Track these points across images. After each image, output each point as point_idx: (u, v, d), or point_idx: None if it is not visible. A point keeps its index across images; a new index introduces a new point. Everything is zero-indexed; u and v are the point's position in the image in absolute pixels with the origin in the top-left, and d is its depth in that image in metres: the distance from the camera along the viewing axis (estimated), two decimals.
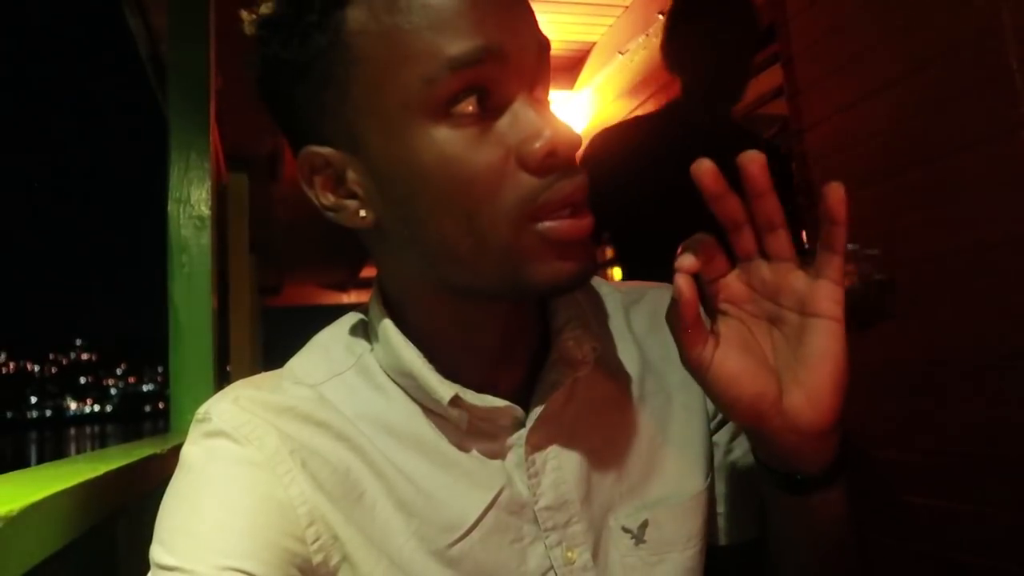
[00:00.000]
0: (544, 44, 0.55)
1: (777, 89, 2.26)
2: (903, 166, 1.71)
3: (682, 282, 0.51)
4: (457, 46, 0.50)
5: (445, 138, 0.51)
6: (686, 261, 0.51)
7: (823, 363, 0.52)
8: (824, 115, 2.05)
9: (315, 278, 8.69)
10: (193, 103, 1.88)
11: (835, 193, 0.51)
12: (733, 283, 0.56)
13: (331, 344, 0.64)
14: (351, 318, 0.67)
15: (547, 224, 0.53)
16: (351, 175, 0.56)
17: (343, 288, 9.05)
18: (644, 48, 2.90)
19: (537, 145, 0.52)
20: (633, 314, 0.71)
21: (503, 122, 0.53)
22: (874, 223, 1.85)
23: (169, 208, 1.81)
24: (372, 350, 0.62)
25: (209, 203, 1.83)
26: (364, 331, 0.64)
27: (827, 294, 0.52)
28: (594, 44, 3.33)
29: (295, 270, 7.96)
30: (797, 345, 0.53)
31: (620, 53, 3.01)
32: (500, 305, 0.60)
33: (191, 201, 1.82)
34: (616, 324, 0.70)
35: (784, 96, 2.20)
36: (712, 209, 0.53)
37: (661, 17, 2.73)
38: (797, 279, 0.53)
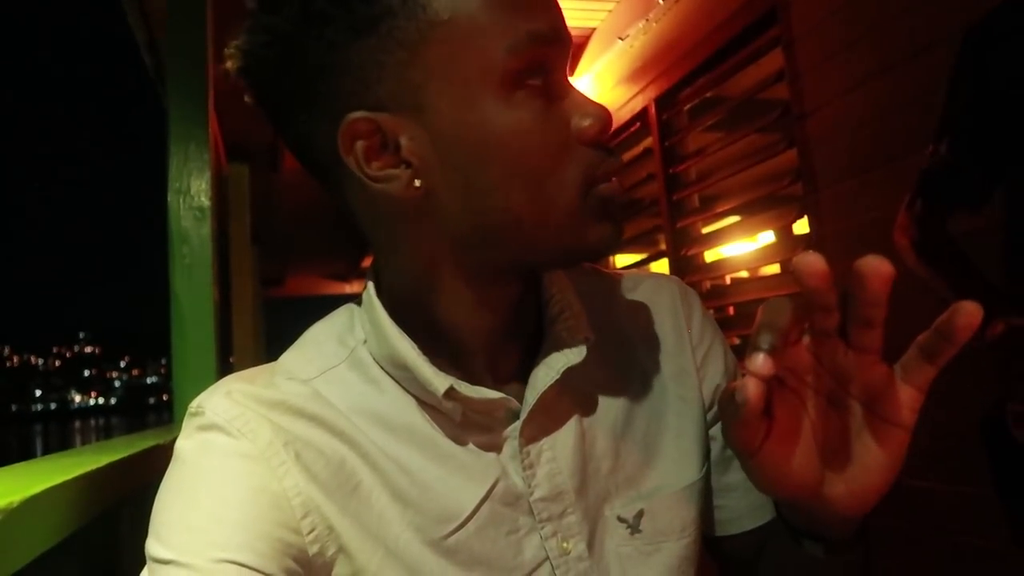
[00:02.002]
0: (571, 40, 0.59)
1: (778, 73, 2.24)
2: (904, 150, 1.71)
3: (751, 388, 0.44)
4: (535, 22, 0.53)
5: (519, 108, 0.53)
6: (760, 365, 0.43)
7: (881, 471, 0.49)
8: (825, 99, 2.05)
9: (317, 268, 8.69)
10: (192, 93, 1.87)
11: (968, 317, 0.43)
12: (800, 350, 0.49)
13: (323, 338, 0.64)
14: (343, 311, 0.66)
15: (603, 186, 0.57)
16: (406, 142, 0.54)
17: (345, 278, 9.06)
18: (644, 33, 2.88)
19: (590, 123, 0.56)
20: (629, 303, 0.71)
21: (562, 101, 0.57)
22: (875, 208, 1.84)
23: (169, 199, 1.81)
24: (365, 342, 0.62)
25: (209, 194, 1.83)
26: (357, 324, 0.64)
27: (909, 403, 0.47)
28: (594, 30, 3.31)
29: (297, 261, 7.96)
30: (856, 440, 0.49)
31: (620, 39, 3.00)
32: (519, 285, 0.61)
33: (191, 192, 1.82)
34: (611, 313, 0.69)
35: (785, 80, 2.20)
36: (805, 295, 0.45)
37: (661, 1, 2.72)
38: (878, 375, 0.47)
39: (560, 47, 0.56)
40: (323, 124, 0.55)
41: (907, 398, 0.47)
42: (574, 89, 0.57)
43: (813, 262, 0.43)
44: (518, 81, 0.53)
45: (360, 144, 0.54)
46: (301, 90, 0.56)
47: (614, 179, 0.58)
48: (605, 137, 0.57)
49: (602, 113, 0.57)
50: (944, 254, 1.33)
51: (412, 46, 0.52)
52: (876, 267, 0.42)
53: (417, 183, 0.54)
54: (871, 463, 0.49)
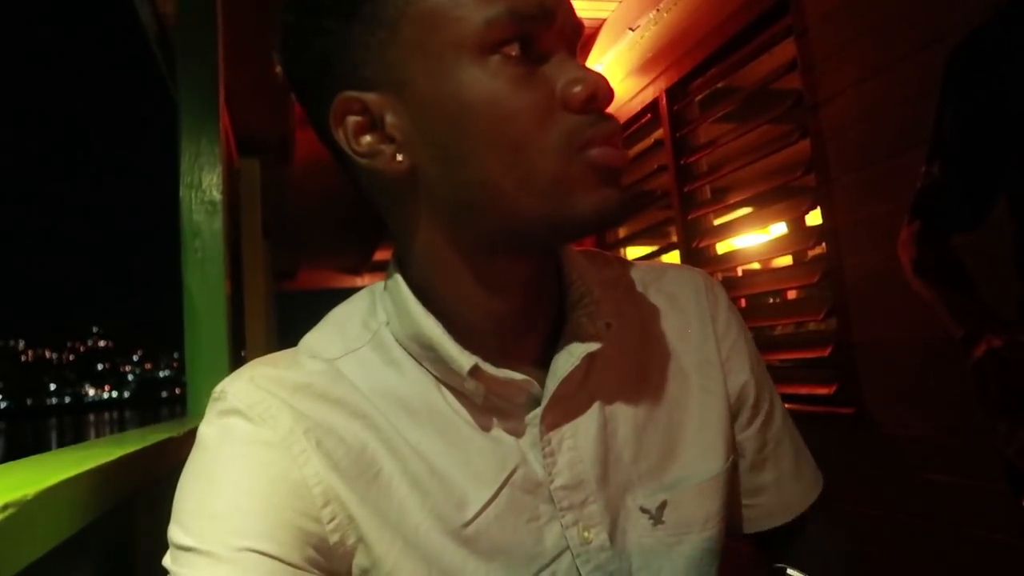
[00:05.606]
0: (580, 26, 0.58)
1: (790, 63, 2.22)
2: (918, 140, 1.69)
3: None
4: (518, 0, 0.53)
5: (493, 75, 0.53)
6: None
7: None
8: (838, 89, 2.03)
9: (329, 262, 8.72)
10: (203, 88, 1.88)
11: None
12: None
13: (347, 320, 0.64)
14: (366, 293, 0.66)
15: (595, 151, 0.54)
16: (390, 119, 0.56)
17: (357, 272, 9.08)
18: (655, 24, 2.87)
19: (579, 89, 0.54)
20: (651, 293, 0.70)
21: (546, 68, 0.55)
22: (888, 198, 1.83)
23: (181, 193, 1.81)
24: (388, 324, 0.62)
25: (220, 188, 1.83)
26: (380, 306, 0.64)
27: None
28: (604, 21, 3.30)
29: (309, 254, 7.98)
30: None
31: (631, 29, 2.98)
32: (524, 264, 0.60)
33: (202, 186, 1.82)
34: (634, 302, 0.69)
35: (797, 70, 2.18)
36: None
37: None
38: None
39: (551, 24, 0.55)
40: (325, 109, 0.57)
41: None
42: (565, 56, 0.56)
43: None
44: (493, 48, 0.53)
45: (350, 120, 0.56)
46: (309, 78, 0.58)
47: (611, 144, 0.55)
48: (596, 105, 0.55)
49: (591, 77, 0.54)
50: (940, 272, 1.35)
51: (391, 24, 0.54)
52: None
53: (399, 157, 0.56)
54: None
